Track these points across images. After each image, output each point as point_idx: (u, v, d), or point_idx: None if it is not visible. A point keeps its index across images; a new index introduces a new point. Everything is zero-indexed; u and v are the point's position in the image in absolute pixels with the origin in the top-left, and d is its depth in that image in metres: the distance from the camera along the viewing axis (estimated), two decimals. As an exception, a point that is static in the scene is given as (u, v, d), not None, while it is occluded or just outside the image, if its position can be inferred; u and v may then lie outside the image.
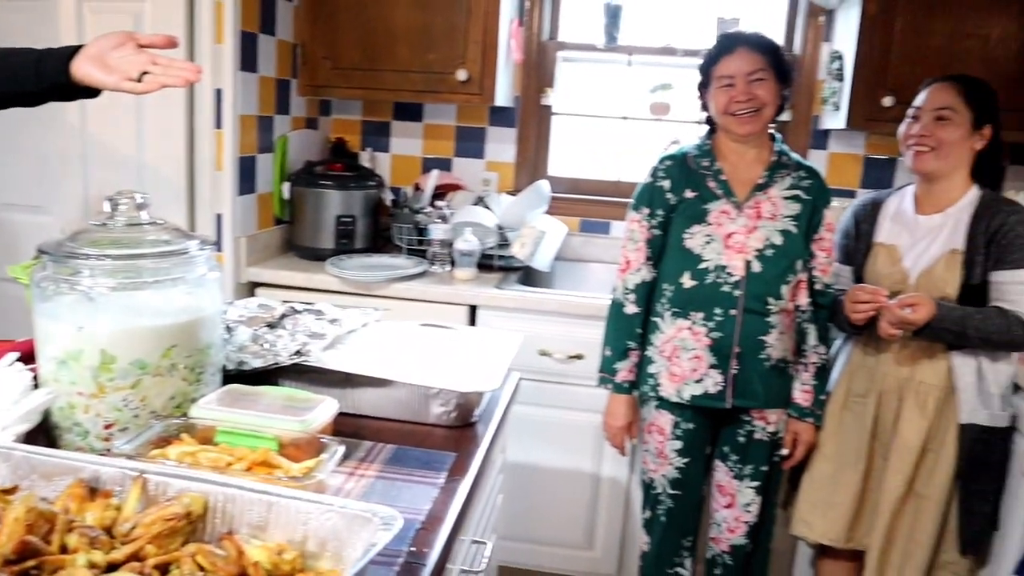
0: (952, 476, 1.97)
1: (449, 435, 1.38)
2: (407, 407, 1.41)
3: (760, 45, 1.96)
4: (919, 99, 2.03)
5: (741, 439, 2.09)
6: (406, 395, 1.40)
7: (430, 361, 1.47)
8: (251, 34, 2.54)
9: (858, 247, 2.14)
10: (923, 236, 2.03)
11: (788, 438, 2.10)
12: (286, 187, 2.79)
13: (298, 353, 1.41)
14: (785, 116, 2.93)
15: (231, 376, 1.36)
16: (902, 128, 2.05)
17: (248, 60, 2.54)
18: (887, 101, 2.54)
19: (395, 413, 1.41)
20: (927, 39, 2.52)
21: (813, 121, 2.96)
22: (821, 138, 2.97)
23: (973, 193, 2.01)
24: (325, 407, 1.22)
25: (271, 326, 1.55)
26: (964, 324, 1.89)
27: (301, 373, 1.42)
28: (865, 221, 2.14)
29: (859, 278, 2.11)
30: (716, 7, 3.01)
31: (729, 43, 1.99)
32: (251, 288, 2.63)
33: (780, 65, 1.97)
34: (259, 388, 1.28)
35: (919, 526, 2.00)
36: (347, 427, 1.34)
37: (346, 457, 1.21)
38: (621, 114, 3.15)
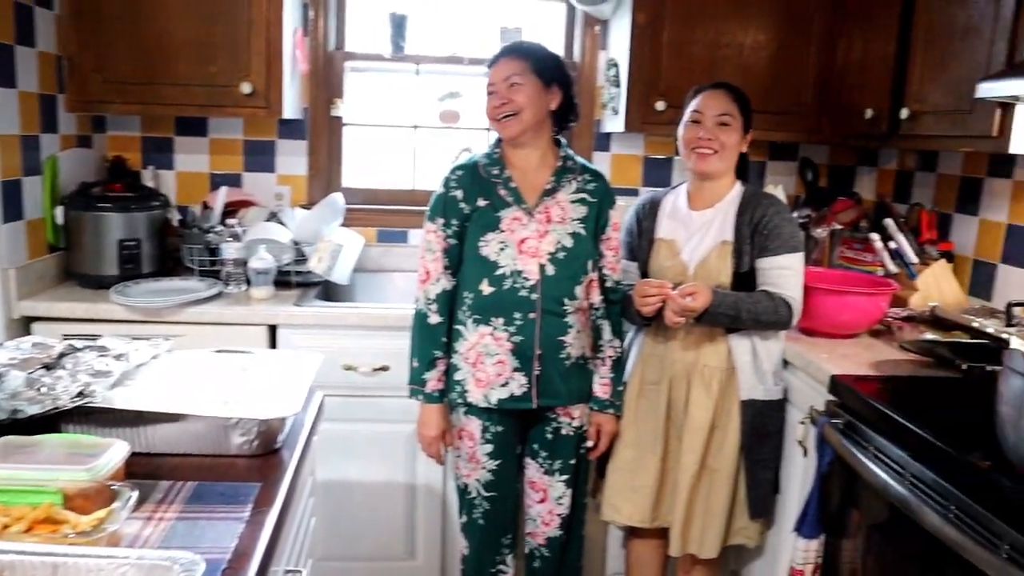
0: (738, 449, 2.15)
1: (253, 465, 1.34)
2: (206, 440, 1.36)
3: (519, 52, 2.05)
4: (696, 104, 2.16)
5: (549, 436, 2.17)
6: (204, 428, 1.35)
7: (227, 389, 1.42)
8: (5, 46, 2.33)
9: (641, 244, 2.27)
10: (697, 230, 2.19)
11: (592, 430, 2.20)
12: (59, 211, 2.58)
13: (81, 395, 1.32)
14: (570, 121, 3.09)
15: (5, 427, 1.26)
16: (682, 131, 2.19)
17: (4, 74, 2.33)
18: (660, 105, 2.72)
19: (194, 448, 1.36)
20: (691, 48, 2.72)
21: (595, 125, 3.12)
22: (604, 141, 3.14)
23: (737, 189, 2.21)
24: (114, 451, 1.15)
25: (48, 367, 1.43)
26: (738, 308, 2.05)
27: (87, 416, 1.34)
28: (646, 219, 2.28)
29: (644, 273, 2.25)
30: (499, 17, 3.10)
31: (496, 55, 2.08)
32: (26, 324, 2.42)
33: (543, 70, 2.05)
34: (38, 437, 1.19)
35: (714, 498, 2.17)
36: (142, 468, 1.27)
37: (142, 501, 1.15)
38: (412, 123, 3.17)
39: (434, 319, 2.11)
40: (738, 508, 2.21)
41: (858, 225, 2.80)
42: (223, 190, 2.83)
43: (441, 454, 2.22)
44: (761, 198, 2.17)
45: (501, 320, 2.04)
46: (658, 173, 3.16)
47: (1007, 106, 1.96)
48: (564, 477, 2.20)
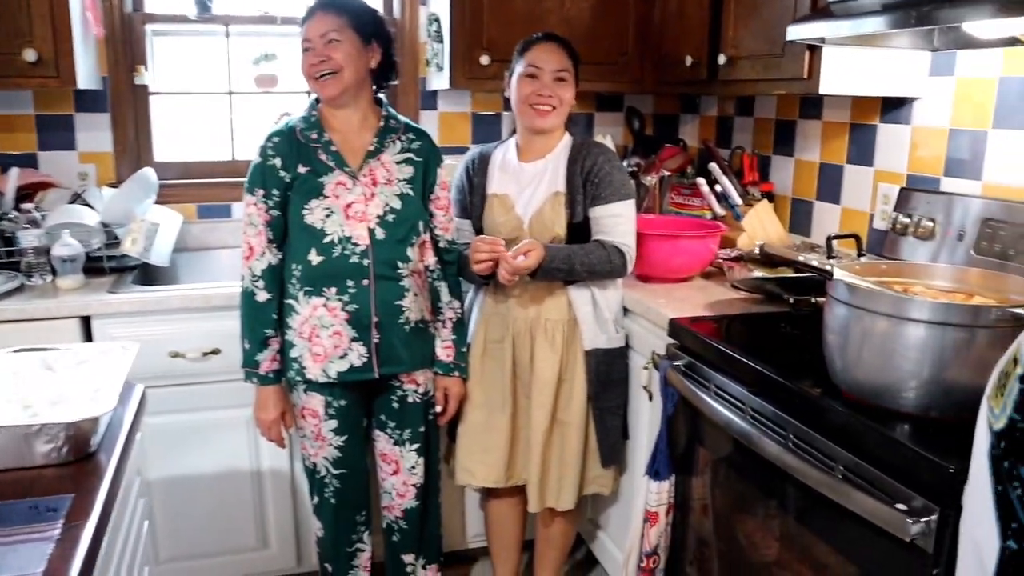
0: (586, 399, 2.16)
1: (64, 474, 1.20)
2: (5, 453, 1.20)
3: (336, 6, 1.93)
4: (531, 59, 2.09)
5: (395, 405, 2.11)
6: (1, 439, 1.19)
7: (29, 393, 1.27)
8: None
9: (473, 200, 2.23)
10: (529, 182, 2.16)
11: (439, 395, 2.16)
12: None
13: None
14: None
15: None
16: (515, 86, 2.12)
17: None
18: (484, 60, 2.66)
19: (-10, 462, 1.20)
20: (514, 2, 2.67)
21: (421, 83, 3.02)
22: (430, 99, 3.05)
23: (566, 139, 2.19)
24: None
25: None
26: (571, 261, 2.05)
27: None
28: (476, 175, 2.23)
29: (479, 229, 2.20)
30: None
31: (310, 9, 1.95)
32: None
33: (361, 26, 1.95)
34: None
35: (567, 451, 2.17)
36: (-75, 493, 1.11)
37: (-74, 531, 1.00)
38: (226, 89, 2.97)
39: (262, 296, 1.98)
40: (590, 458, 2.23)
41: (685, 171, 2.87)
42: (14, 172, 2.54)
43: (282, 437, 2.11)
44: (591, 147, 2.17)
45: (334, 290, 1.94)
46: (487, 129, 3.11)
47: (815, 48, 2.04)
48: (415, 446, 2.14)
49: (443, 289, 2.11)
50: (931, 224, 2.00)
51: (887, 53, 2.09)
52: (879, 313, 1.37)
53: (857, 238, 1.72)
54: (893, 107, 2.26)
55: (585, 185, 2.12)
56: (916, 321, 1.33)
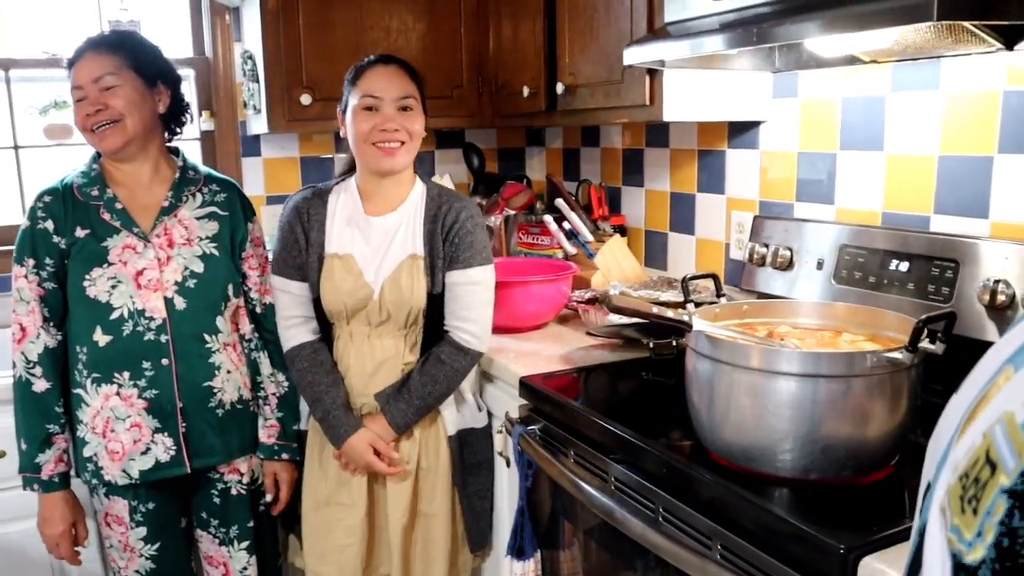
0: (450, 487, 1.86)
1: None
2: None
3: (108, 45, 1.66)
4: (368, 87, 1.71)
5: (216, 500, 1.81)
6: None
7: None
8: None
9: (309, 260, 1.78)
10: (379, 241, 1.77)
11: (268, 482, 1.87)
12: None
13: None
14: (207, 125, 2.69)
15: None
16: (351, 121, 1.73)
17: None
18: (305, 99, 2.42)
19: None
20: (332, 33, 2.44)
21: (241, 128, 2.74)
22: (252, 145, 2.77)
23: (420, 187, 1.81)
24: None
25: None
26: (424, 402, 1.75)
27: None
28: (312, 228, 1.78)
29: (318, 296, 1.77)
30: (108, 9, 2.62)
31: (78, 49, 1.66)
32: None
33: (142, 66, 1.67)
34: None
35: (431, 544, 1.86)
36: None
37: None
38: (10, 143, 2.59)
39: (40, 385, 1.66)
40: (458, 544, 1.93)
41: (532, 208, 2.70)
42: None
43: (75, 553, 1.76)
44: (452, 200, 1.81)
45: (127, 374, 1.64)
46: (319, 176, 2.85)
47: (655, 73, 1.91)
48: (245, 544, 1.85)
49: (263, 361, 1.83)
50: (788, 253, 1.89)
51: (730, 76, 1.98)
52: (746, 367, 1.21)
53: (715, 277, 1.57)
54: (740, 131, 2.16)
55: (444, 245, 1.78)
56: (786, 375, 1.17)
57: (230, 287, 1.75)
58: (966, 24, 1.37)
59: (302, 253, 1.78)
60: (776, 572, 1.09)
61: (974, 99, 1.60)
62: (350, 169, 1.85)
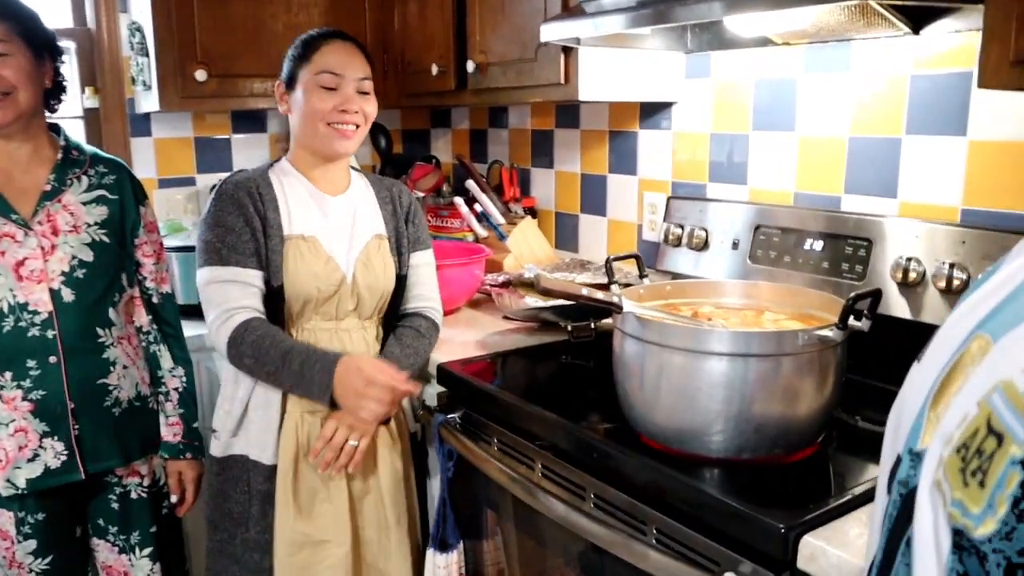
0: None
1: None
2: None
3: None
4: (328, 63, 1.56)
5: (115, 506, 1.69)
6: None
7: None
8: None
9: (270, 244, 1.56)
10: (341, 221, 1.63)
11: (172, 482, 1.76)
12: None
13: None
14: (91, 102, 2.52)
15: None
16: (305, 98, 1.56)
17: None
18: (200, 75, 2.28)
19: None
20: (230, 5, 2.31)
21: (129, 105, 2.57)
22: (142, 124, 2.60)
23: (354, 172, 1.74)
24: None
25: None
26: (415, 366, 1.66)
27: None
28: (269, 209, 1.57)
29: (279, 285, 1.56)
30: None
31: None
32: None
33: (31, 35, 1.53)
34: None
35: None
36: None
37: None
38: None
39: (-91, 390, 1.50)
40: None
41: (440, 190, 2.64)
42: None
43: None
44: (392, 182, 1.77)
45: (8, 375, 1.51)
46: (216, 157, 2.71)
47: (570, 51, 1.87)
48: (147, 551, 1.73)
49: (163, 355, 1.72)
50: (704, 234, 1.89)
51: (643, 56, 1.97)
52: (678, 348, 1.19)
53: (637, 258, 1.55)
54: (652, 112, 2.15)
55: (408, 227, 1.72)
56: (719, 355, 1.16)
57: (123, 276, 1.63)
58: (876, 6, 1.39)
59: (257, 236, 1.55)
60: (714, 554, 1.08)
61: (883, 82, 1.63)
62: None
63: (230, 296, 1.52)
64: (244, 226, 1.55)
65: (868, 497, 1.09)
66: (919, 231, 1.51)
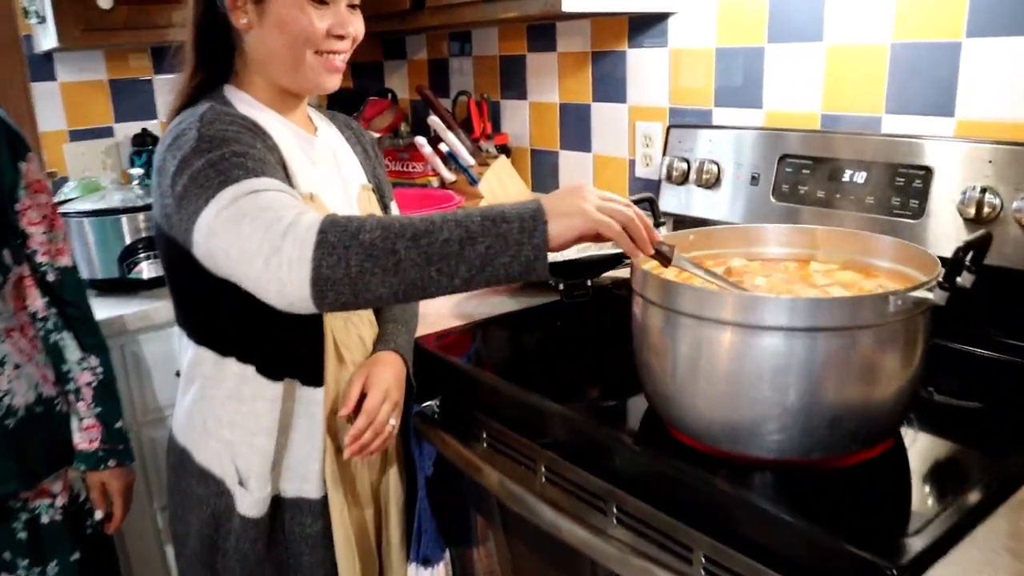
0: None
1: None
2: None
3: None
4: None
5: (22, 535, 1.38)
6: None
7: None
8: None
9: None
10: (328, 171, 1.25)
11: (95, 496, 1.45)
12: None
13: None
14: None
15: None
16: (288, 16, 1.11)
17: None
18: (105, 2, 1.91)
19: None
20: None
21: (26, 43, 2.18)
22: (45, 66, 2.21)
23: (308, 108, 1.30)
24: None
25: None
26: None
27: None
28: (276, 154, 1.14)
29: None
30: None
31: None
32: None
33: None
34: None
35: None
36: None
37: None
38: None
39: None
40: None
41: (399, 130, 2.31)
42: None
43: None
44: (346, 120, 1.40)
45: None
46: (136, 103, 2.34)
47: (547, -48, 1.55)
48: (69, 582, 1.44)
49: (68, 344, 1.39)
50: (715, 168, 1.60)
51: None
52: (722, 321, 0.91)
53: (652, 201, 1.27)
54: (643, 27, 1.83)
55: (379, 174, 1.39)
56: (779, 330, 0.87)
57: (5, 253, 1.30)
58: None
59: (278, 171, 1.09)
60: (792, 598, 0.82)
61: (937, -30, 1.33)
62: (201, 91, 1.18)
63: (285, 202, 0.97)
64: (266, 151, 1.08)
65: (984, 507, 0.84)
66: (991, 155, 1.23)
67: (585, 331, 1.45)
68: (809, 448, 0.92)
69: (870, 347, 0.88)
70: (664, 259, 0.99)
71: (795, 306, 0.88)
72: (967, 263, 0.89)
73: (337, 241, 0.89)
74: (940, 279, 0.85)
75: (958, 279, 0.87)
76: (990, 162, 1.22)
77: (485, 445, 1.23)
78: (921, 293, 0.86)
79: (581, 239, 0.94)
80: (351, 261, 0.89)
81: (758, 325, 0.89)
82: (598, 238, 0.95)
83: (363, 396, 1.19)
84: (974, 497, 0.85)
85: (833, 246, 1.16)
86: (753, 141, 1.54)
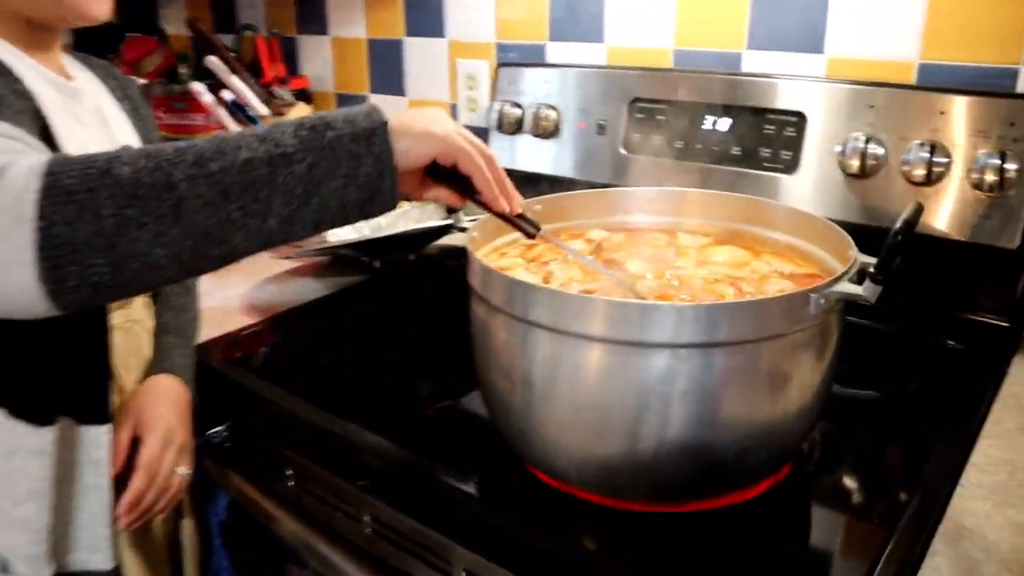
0: None
1: None
2: None
3: None
4: None
5: None
6: None
7: None
8: None
9: None
10: (96, 131, 0.92)
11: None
12: None
13: None
14: None
15: None
16: None
17: None
18: None
19: None
20: None
21: None
22: None
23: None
24: None
25: None
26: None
27: None
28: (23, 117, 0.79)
29: None
30: None
31: None
32: None
33: None
34: None
35: None
36: None
37: None
38: None
39: None
40: None
41: (173, 73, 1.91)
42: None
43: None
44: (106, 66, 1.04)
45: None
46: None
47: None
48: None
49: None
50: (554, 114, 1.36)
51: None
52: (589, 337, 0.67)
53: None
54: (460, -53, 1.55)
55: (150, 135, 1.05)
56: (664, 347, 0.65)
57: None
58: None
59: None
60: None
61: None
62: None
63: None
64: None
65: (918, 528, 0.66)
66: (872, 98, 1.06)
67: (410, 315, 1.20)
68: (708, 487, 0.71)
69: (781, 358, 0.68)
70: (529, 230, 0.75)
71: (688, 317, 0.65)
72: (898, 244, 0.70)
73: (78, 184, 0.57)
74: (872, 270, 0.65)
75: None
76: (872, 107, 1.05)
77: (292, 484, 0.96)
78: (847, 288, 0.66)
79: (435, 168, 0.69)
80: (103, 210, 0.57)
81: (641, 342, 0.66)
82: (451, 189, 0.70)
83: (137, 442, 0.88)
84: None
85: (707, 212, 0.95)
86: (597, 83, 1.31)
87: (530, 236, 0.75)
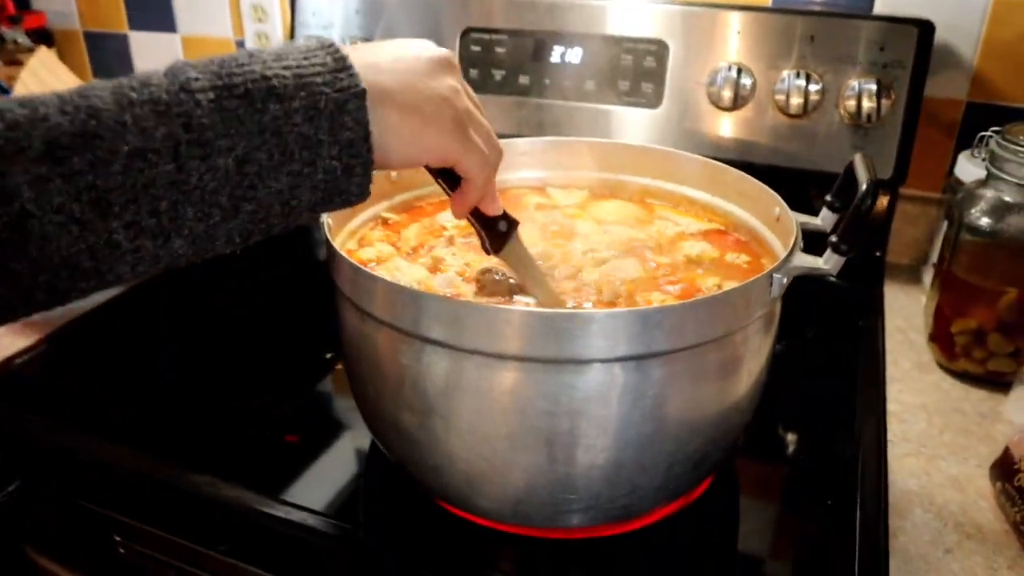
0: None
1: None
2: None
3: None
4: None
5: None
6: None
7: None
8: None
9: None
10: None
11: None
12: None
13: None
14: None
15: None
16: None
17: None
18: None
19: None
20: None
21: None
22: None
23: None
24: None
25: None
26: None
27: None
28: None
29: None
30: None
31: None
32: None
33: None
34: None
35: None
36: None
37: None
38: None
39: None
40: None
41: None
42: None
43: None
44: None
45: None
46: None
47: None
48: None
49: None
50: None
51: None
52: (487, 354, 0.53)
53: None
54: None
55: None
56: (595, 362, 0.53)
57: None
58: None
59: None
60: None
61: None
62: None
63: None
64: None
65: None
66: (740, 23, 0.97)
67: (242, 300, 1.00)
68: (648, 503, 0.61)
69: (736, 350, 0.58)
70: (497, 238, 0.60)
71: (622, 325, 0.52)
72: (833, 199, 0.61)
73: None
74: (835, 239, 0.56)
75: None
76: (739, 32, 0.96)
77: (130, 554, 0.75)
78: (809, 261, 0.56)
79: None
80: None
81: (566, 358, 0.53)
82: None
83: None
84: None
85: (579, 163, 0.83)
86: (423, 11, 1.13)
87: (492, 252, 0.61)
